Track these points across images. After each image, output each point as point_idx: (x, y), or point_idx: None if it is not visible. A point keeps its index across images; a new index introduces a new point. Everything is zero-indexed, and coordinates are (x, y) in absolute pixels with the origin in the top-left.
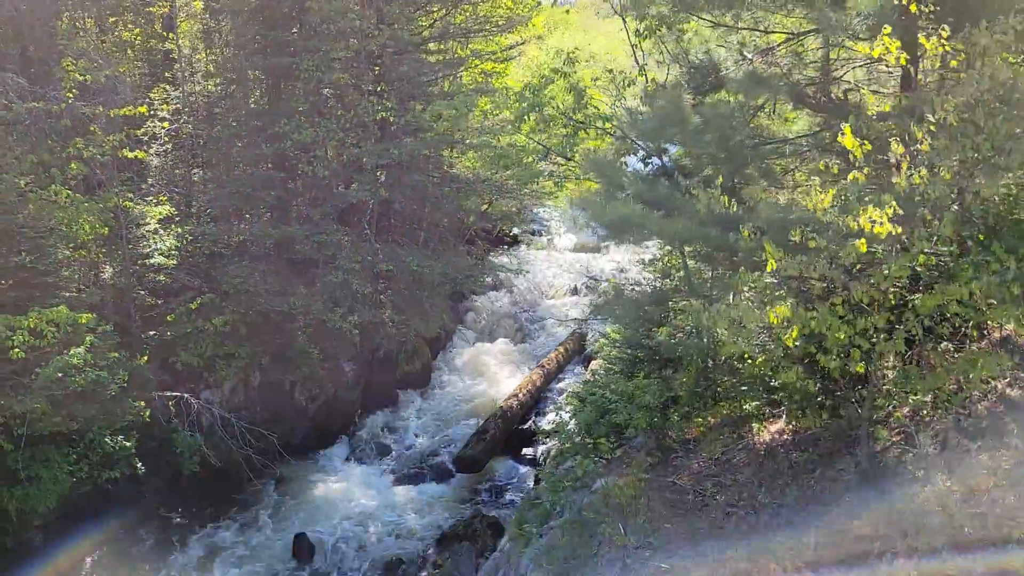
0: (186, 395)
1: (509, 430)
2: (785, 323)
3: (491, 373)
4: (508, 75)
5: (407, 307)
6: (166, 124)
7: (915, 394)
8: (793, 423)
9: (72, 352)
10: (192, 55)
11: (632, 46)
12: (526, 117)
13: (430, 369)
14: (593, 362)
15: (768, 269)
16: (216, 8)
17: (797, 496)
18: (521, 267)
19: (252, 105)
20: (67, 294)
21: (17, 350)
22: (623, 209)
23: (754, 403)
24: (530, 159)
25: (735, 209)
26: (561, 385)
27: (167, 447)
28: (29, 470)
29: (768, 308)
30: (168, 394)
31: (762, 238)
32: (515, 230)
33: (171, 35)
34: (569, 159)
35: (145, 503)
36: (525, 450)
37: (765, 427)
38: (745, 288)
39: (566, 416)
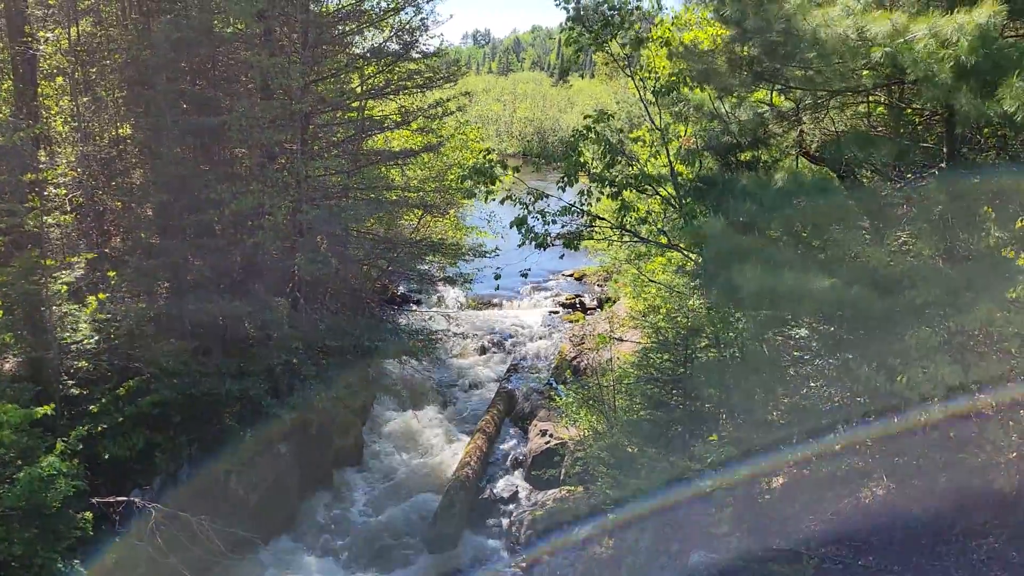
0: (132, 499)
1: (472, 501)
2: None
3: (424, 441)
4: (445, 132)
5: (339, 378)
6: (63, 191)
7: None
8: None
9: (44, 462)
10: (75, 108)
11: (646, 104)
12: (571, 178)
13: (362, 443)
14: (542, 423)
15: None
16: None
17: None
18: (449, 329)
19: (175, 169)
20: None
21: None
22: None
23: None
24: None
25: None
26: (505, 447)
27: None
28: None
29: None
30: (112, 500)
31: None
32: (400, 289)
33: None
34: (600, 217)
35: None
36: (489, 520)
37: None
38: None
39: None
